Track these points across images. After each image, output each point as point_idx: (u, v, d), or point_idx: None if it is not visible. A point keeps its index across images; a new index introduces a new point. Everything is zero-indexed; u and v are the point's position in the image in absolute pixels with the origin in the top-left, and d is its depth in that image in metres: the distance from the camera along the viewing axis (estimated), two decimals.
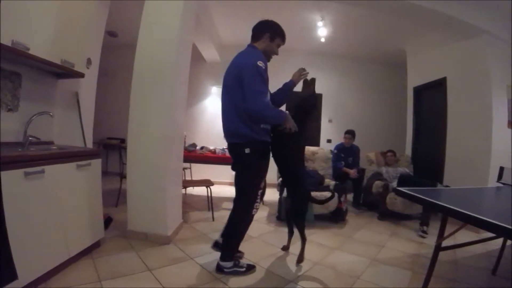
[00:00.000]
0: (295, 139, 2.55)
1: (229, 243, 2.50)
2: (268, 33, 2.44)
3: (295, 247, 2.91)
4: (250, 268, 2.55)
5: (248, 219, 2.48)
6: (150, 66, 3.02)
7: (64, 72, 2.74)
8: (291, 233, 3.02)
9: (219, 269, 2.46)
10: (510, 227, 1.32)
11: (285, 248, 3.04)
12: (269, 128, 2.45)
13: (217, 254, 2.52)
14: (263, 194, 2.59)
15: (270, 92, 2.49)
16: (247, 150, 2.30)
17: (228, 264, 2.45)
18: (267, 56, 2.47)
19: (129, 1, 3.68)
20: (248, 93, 2.19)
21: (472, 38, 4.42)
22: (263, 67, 2.24)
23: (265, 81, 2.29)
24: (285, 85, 2.69)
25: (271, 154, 2.54)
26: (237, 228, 2.49)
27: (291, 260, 2.78)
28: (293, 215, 2.84)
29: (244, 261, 2.62)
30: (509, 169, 3.31)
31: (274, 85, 2.67)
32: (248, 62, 2.24)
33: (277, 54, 2.56)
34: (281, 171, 2.80)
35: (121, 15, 4.53)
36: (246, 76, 2.20)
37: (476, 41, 4.40)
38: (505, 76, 4.35)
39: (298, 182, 2.75)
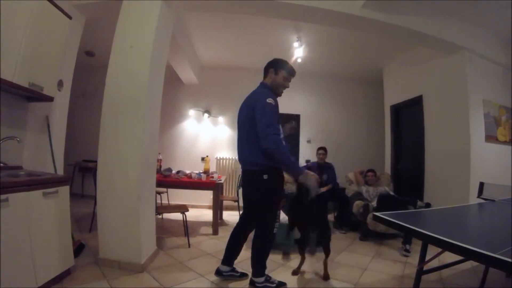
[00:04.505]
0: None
1: (257, 260, 2.64)
2: (272, 68, 2.71)
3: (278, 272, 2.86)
4: (281, 285, 2.67)
5: (271, 236, 2.65)
6: (121, 90, 2.97)
7: (34, 95, 2.65)
8: (303, 259, 3.08)
9: (252, 283, 2.65)
10: (495, 255, 1.25)
11: (295, 273, 3.04)
12: None
13: (202, 282, 2.63)
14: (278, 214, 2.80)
15: None
16: (265, 176, 2.52)
17: (260, 279, 2.60)
18: (276, 89, 2.72)
19: (106, 19, 3.60)
20: (260, 128, 2.43)
21: (450, 55, 4.52)
22: (273, 103, 2.50)
23: (276, 115, 2.52)
24: (293, 166, 2.60)
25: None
26: (263, 246, 2.64)
27: None
28: (325, 240, 2.99)
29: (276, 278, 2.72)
30: (489, 184, 3.32)
31: None
32: (259, 100, 2.52)
33: (286, 86, 2.77)
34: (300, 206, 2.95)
35: (98, 34, 4.43)
36: (259, 113, 2.46)
37: (453, 58, 4.49)
38: (482, 91, 4.45)
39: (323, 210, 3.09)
